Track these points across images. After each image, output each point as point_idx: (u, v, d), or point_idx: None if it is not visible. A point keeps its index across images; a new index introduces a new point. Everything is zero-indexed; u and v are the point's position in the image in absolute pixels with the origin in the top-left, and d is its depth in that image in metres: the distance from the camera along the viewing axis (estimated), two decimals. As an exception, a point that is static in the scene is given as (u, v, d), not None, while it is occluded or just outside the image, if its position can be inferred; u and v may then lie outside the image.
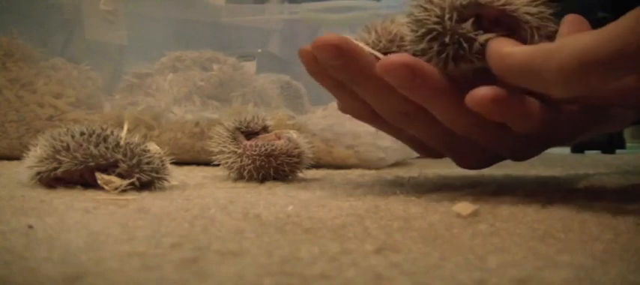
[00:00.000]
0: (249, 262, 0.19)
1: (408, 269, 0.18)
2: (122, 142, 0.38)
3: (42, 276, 0.16)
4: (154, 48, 0.78)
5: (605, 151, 1.52)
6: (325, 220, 0.27)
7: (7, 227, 0.24)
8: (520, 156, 0.39)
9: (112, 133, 0.39)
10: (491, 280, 0.17)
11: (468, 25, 0.31)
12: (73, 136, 0.38)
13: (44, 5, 0.78)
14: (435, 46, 0.31)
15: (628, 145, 1.74)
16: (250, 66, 0.80)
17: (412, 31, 0.33)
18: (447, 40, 0.31)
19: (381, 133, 0.65)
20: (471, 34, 0.31)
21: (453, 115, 0.33)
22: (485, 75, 0.31)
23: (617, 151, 1.55)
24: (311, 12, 0.78)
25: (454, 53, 0.31)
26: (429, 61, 0.32)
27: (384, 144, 0.66)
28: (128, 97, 0.73)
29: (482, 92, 0.30)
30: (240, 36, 0.87)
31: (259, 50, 0.84)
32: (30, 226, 0.24)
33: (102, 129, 0.39)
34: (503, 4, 0.31)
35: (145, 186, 0.38)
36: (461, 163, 0.40)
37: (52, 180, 0.38)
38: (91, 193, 0.36)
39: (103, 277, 0.16)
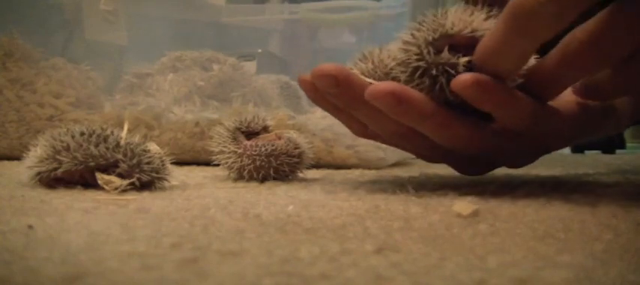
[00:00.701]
0: (250, 262, 0.19)
1: (408, 269, 0.18)
2: (122, 142, 0.38)
3: (42, 276, 0.16)
4: (154, 48, 0.78)
5: (605, 151, 1.52)
6: (325, 220, 0.27)
7: (7, 227, 0.24)
8: (515, 164, 0.41)
9: (112, 133, 0.39)
10: (491, 280, 0.17)
11: (445, 54, 0.33)
12: (73, 136, 0.38)
13: (44, 5, 0.78)
14: (427, 81, 0.33)
15: (628, 145, 1.74)
16: (250, 66, 0.80)
17: (402, 73, 0.35)
18: (434, 71, 0.33)
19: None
20: (452, 60, 0.33)
21: (443, 133, 0.35)
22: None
23: (617, 151, 1.55)
24: (311, 12, 0.78)
25: (446, 81, 0.33)
26: (427, 94, 0.34)
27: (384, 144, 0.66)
28: (128, 97, 0.73)
29: (465, 76, 0.31)
30: (240, 36, 0.87)
31: (259, 50, 0.84)
32: (30, 226, 0.24)
33: (102, 129, 0.39)
34: (471, 32, 0.33)
35: (145, 186, 0.38)
36: (459, 171, 0.42)
37: (52, 180, 0.38)
38: (91, 193, 0.36)
39: (103, 277, 0.16)
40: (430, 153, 0.40)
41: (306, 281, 0.17)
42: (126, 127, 0.40)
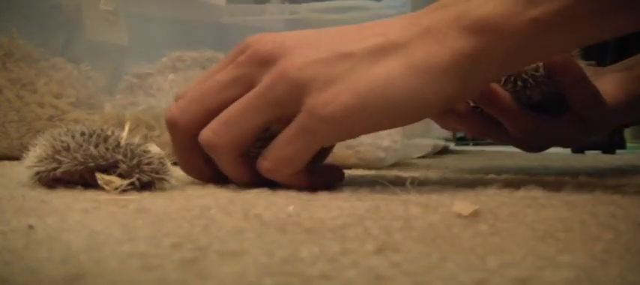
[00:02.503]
0: (250, 262, 0.19)
1: (408, 269, 0.18)
2: (122, 143, 0.38)
3: (42, 276, 0.16)
4: (154, 48, 0.78)
5: (605, 151, 1.52)
6: (325, 220, 0.27)
7: (8, 227, 0.24)
8: (568, 144, 0.60)
9: (112, 133, 0.39)
10: (491, 280, 0.17)
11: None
12: (73, 137, 0.38)
13: (44, 5, 0.78)
14: (520, 83, 0.48)
15: (628, 145, 1.74)
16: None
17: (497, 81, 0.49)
18: (524, 76, 0.48)
19: (381, 133, 0.65)
20: (534, 67, 0.48)
21: (516, 122, 0.50)
22: (552, 99, 0.49)
23: (618, 151, 1.55)
24: (312, 12, 0.78)
25: (533, 81, 0.48)
26: (517, 94, 0.49)
27: (384, 144, 0.66)
28: (129, 97, 0.73)
29: (556, 57, 0.46)
30: (240, 36, 0.86)
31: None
32: (30, 226, 0.24)
33: (102, 129, 0.39)
34: None
35: (145, 186, 0.38)
36: (526, 150, 0.57)
37: (51, 180, 0.38)
38: (91, 193, 0.36)
39: (104, 277, 0.16)
40: (506, 140, 0.54)
41: (307, 281, 0.17)
42: (127, 128, 0.40)
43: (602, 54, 1.18)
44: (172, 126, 0.41)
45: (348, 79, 0.36)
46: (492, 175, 0.52)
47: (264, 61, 0.38)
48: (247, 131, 0.38)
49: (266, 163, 0.39)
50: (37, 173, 0.38)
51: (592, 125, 0.51)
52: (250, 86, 0.38)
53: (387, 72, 0.36)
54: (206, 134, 0.39)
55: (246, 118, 0.38)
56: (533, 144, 0.55)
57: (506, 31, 0.35)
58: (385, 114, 0.37)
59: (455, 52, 0.36)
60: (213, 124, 0.39)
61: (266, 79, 0.38)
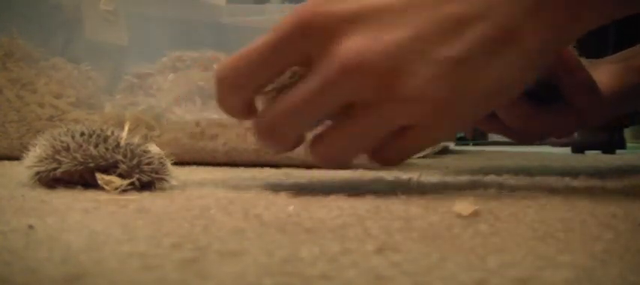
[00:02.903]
0: (250, 262, 0.19)
1: (408, 269, 0.18)
2: (122, 143, 0.38)
3: (42, 276, 0.16)
4: (153, 48, 0.78)
5: (605, 151, 1.52)
6: (326, 220, 0.27)
7: (8, 227, 0.24)
8: (561, 135, 0.54)
9: (112, 133, 0.39)
10: (491, 280, 0.17)
11: None
12: (73, 137, 0.38)
13: (45, 5, 0.78)
14: None
15: (628, 145, 1.74)
16: (250, 66, 0.80)
17: None
18: None
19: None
20: None
21: (514, 112, 0.49)
22: (548, 90, 0.48)
23: (618, 151, 1.55)
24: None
25: None
26: None
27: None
28: (129, 97, 0.73)
29: None
30: (240, 36, 0.86)
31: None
32: (30, 226, 0.24)
33: (102, 129, 0.39)
34: None
35: (145, 186, 0.38)
36: (519, 141, 0.57)
37: (51, 180, 0.38)
38: (91, 193, 0.36)
39: (104, 277, 0.16)
40: (500, 130, 0.54)
41: (307, 281, 0.17)
42: (127, 128, 0.40)
43: (603, 48, 1.19)
44: (277, 143, 0.38)
45: (470, 91, 0.34)
46: (492, 175, 0.52)
47: (377, 85, 0.33)
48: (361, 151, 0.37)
49: (391, 162, 0.38)
50: (37, 173, 0.38)
51: (586, 116, 0.50)
52: (351, 105, 0.35)
53: (504, 73, 0.34)
54: (320, 154, 0.38)
55: (365, 140, 0.36)
56: (527, 134, 0.54)
57: (601, 6, 0.34)
58: (491, 108, 0.39)
59: (554, 32, 0.33)
60: (330, 142, 0.38)
61: (390, 110, 0.34)
